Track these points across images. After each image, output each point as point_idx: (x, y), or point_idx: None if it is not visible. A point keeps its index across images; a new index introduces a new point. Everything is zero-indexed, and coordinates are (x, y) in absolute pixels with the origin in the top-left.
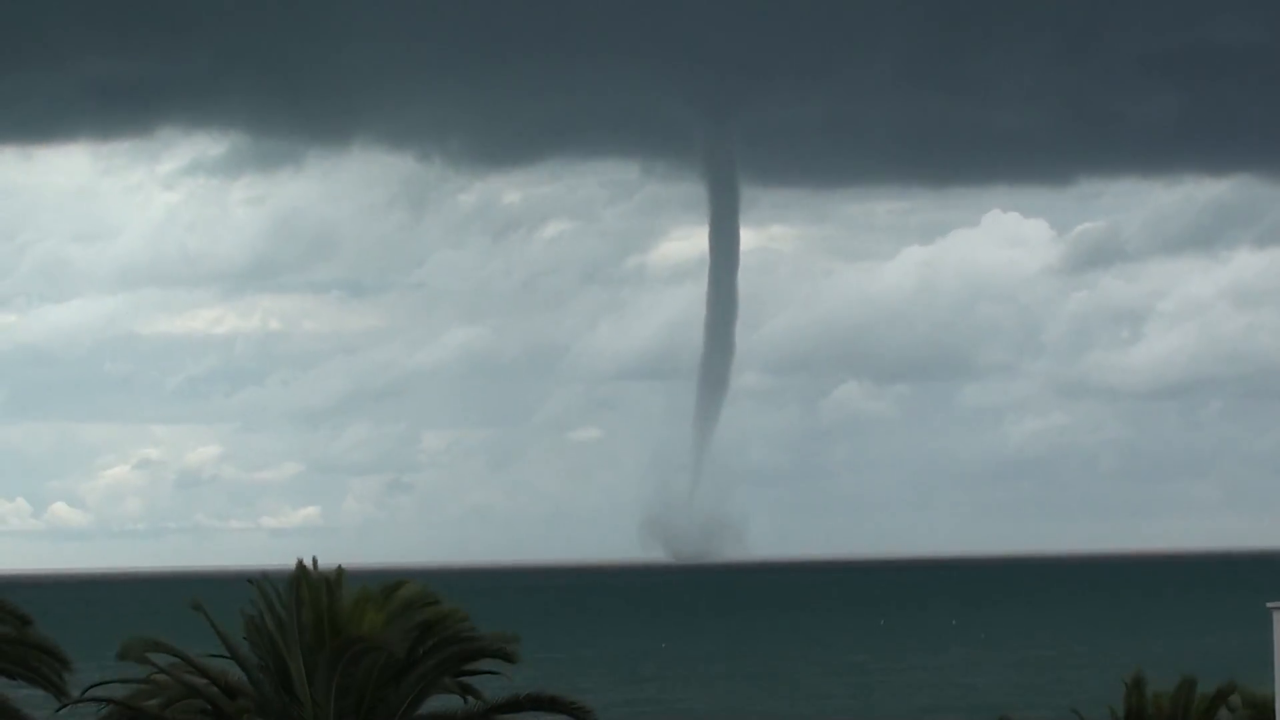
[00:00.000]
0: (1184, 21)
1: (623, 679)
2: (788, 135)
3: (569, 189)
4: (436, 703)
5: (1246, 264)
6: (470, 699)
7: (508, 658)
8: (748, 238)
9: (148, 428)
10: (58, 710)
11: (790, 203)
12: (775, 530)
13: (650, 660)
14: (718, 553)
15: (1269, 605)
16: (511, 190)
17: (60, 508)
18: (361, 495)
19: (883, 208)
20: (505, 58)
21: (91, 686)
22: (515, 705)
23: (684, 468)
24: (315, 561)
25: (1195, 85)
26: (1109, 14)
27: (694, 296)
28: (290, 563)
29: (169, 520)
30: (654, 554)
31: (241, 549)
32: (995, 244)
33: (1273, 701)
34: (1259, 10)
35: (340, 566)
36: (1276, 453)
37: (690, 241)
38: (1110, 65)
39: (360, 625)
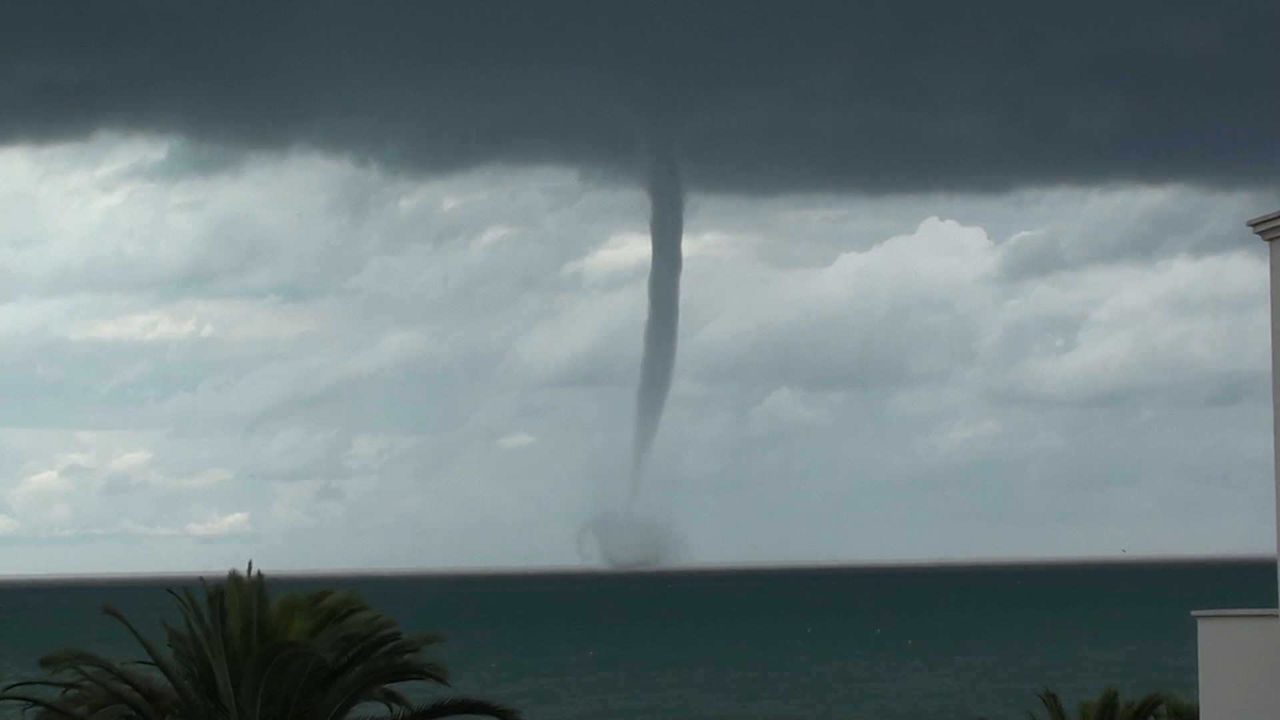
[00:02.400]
0: (1126, 28)
1: (555, 684)
2: (727, 142)
3: (510, 195)
4: (363, 710)
5: (1182, 273)
6: (396, 706)
7: (438, 678)
8: (683, 245)
9: (76, 433)
10: None
11: (726, 210)
12: (708, 538)
13: (583, 666)
14: (658, 560)
15: (1194, 613)
16: (451, 196)
17: None
18: (290, 502)
19: (818, 215)
20: (446, 63)
21: (11, 686)
22: (441, 710)
23: (619, 474)
24: (250, 567)
25: (1136, 93)
26: (1050, 22)
27: (630, 303)
28: (217, 569)
29: (96, 526)
30: (591, 561)
31: (169, 555)
32: (932, 252)
33: (1198, 710)
34: (1201, 16)
35: (260, 573)
36: (1205, 461)
37: (625, 249)
38: (1052, 73)
39: (287, 632)
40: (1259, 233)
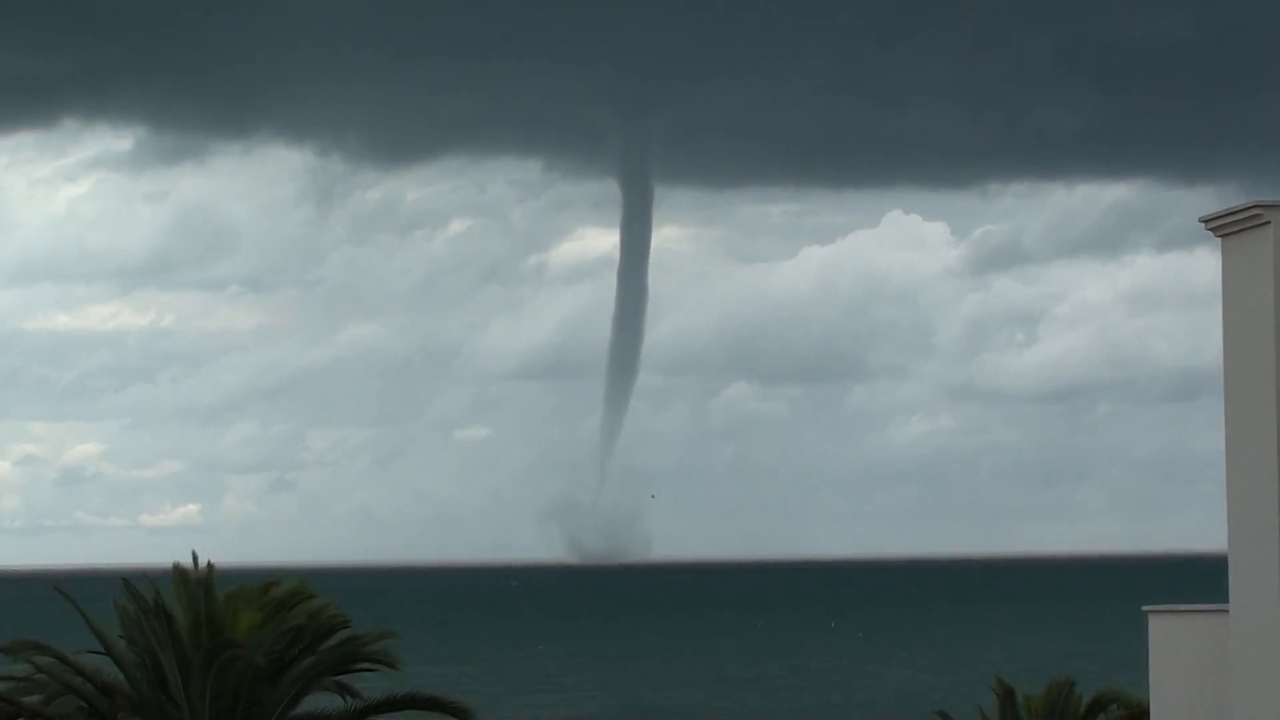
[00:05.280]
0: (1092, 21)
1: (506, 680)
2: (688, 136)
3: (477, 186)
4: (315, 701)
5: (1145, 268)
6: (349, 698)
7: (389, 664)
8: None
9: (29, 424)
10: None
11: (687, 204)
12: (663, 531)
13: (533, 661)
14: (627, 553)
15: (1145, 609)
16: (412, 188)
17: None
18: (242, 494)
19: (779, 209)
20: (412, 54)
21: None
22: (394, 704)
23: (584, 465)
24: (198, 560)
25: (1101, 87)
26: (1016, 14)
27: (592, 297)
28: (169, 561)
29: (47, 518)
30: (556, 552)
31: (120, 547)
32: (895, 246)
33: (1149, 705)
34: (1167, 10)
35: (210, 564)
36: (1158, 457)
37: (587, 242)
38: (1019, 67)
39: (237, 625)
40: (1211, 229)
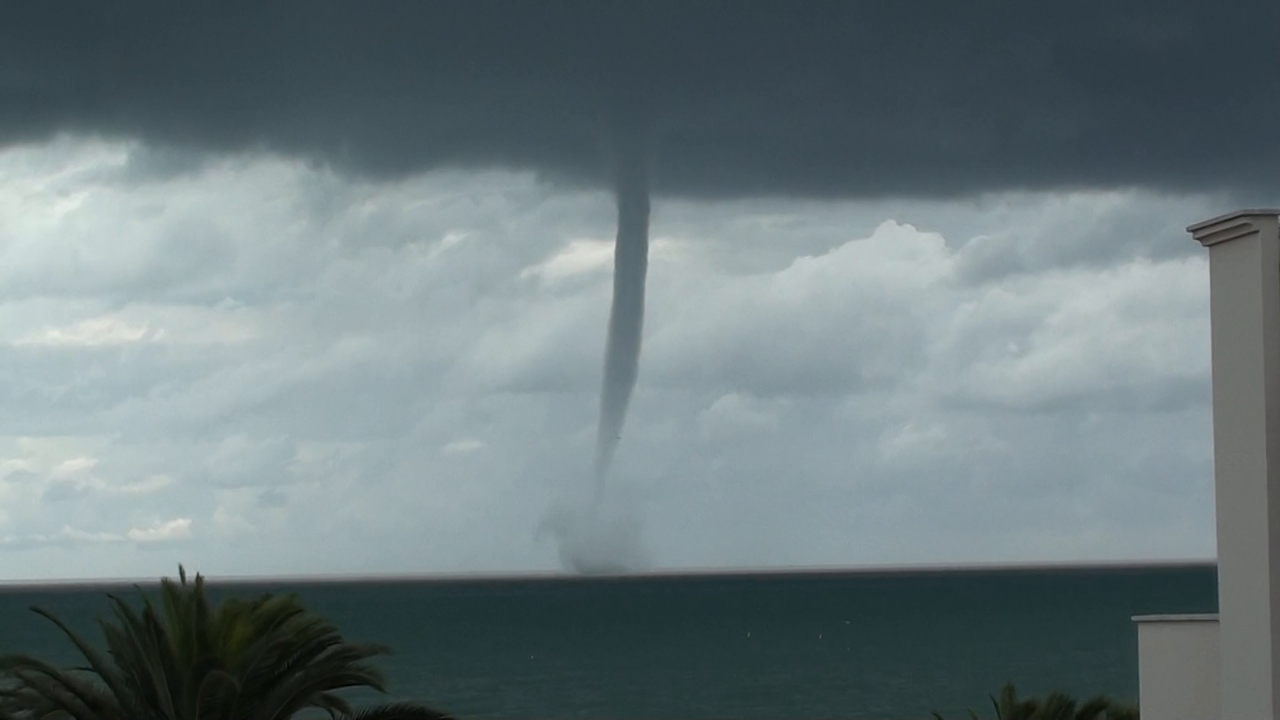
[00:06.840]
0: (1086, 30)
1: (492, 691)
2: (683, 148)
3: (471, 199)
4: (304, 715)
5: (1138, 277)
6: (337, 713)
7: (375, 684)
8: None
9: (20, 439)
10: None
11: (678, 216)
12: (654, 543)
13: (522, 672)
14: (623, 565)
15: (1134, 619)
16: (409, 201)
17: None
18: (232, 508)
19: (771, 220)
20: (405, 68)
21: None
22: (383, 716)
23: (578, 477)
24: (186, 575)
25: (1096, 96)
26: (1010, 24)
27: (586, 309)
28: (158, 575)
29: (37, 533)
30: (549, 565)
31: (110, 562)
32: (888, 256)
33: (1139, 714)
34: (1160, 19)
35: (200, 577)
36: (1147, 467)
37: (578, 254)
38: (1012, 76)
39: (228, 640)
40: (1199, 238)
